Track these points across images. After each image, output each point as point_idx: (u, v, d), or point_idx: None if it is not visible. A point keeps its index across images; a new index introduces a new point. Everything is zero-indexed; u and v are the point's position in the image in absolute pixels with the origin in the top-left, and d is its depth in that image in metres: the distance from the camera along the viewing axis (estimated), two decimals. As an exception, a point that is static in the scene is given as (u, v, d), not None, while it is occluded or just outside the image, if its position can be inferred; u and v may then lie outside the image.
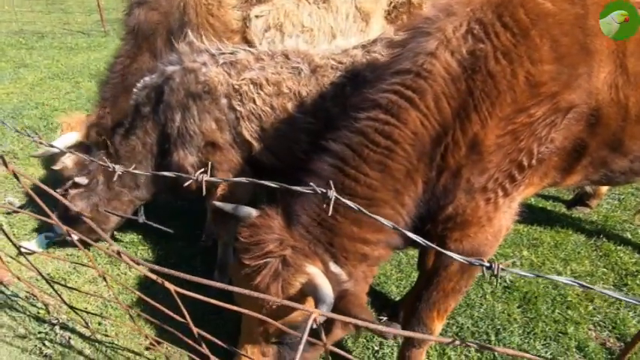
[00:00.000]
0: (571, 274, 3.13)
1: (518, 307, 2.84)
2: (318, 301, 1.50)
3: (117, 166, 1.57)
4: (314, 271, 1.60)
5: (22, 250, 2.28)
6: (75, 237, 1.48)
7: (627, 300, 0.86)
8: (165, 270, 1.19)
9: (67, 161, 3.24)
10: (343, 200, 1.17)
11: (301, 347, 0.94)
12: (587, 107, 1.78)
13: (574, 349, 2.56)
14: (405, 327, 2.11)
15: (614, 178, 2.14)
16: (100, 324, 2.74)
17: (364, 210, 1.14)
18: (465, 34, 1.68)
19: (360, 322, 0.99)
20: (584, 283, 0.86)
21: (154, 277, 1.17)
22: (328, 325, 1.74)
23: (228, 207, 2.01)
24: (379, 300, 2.95)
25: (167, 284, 1.15)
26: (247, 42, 3.28)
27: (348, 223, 1.71)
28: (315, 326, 0.95)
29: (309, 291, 1.58)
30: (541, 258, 3.28)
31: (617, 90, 1.80)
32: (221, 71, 2.59)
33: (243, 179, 1.26)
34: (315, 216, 1.73)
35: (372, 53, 2.58)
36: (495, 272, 0.94)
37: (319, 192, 1.18)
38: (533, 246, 3.42)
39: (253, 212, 1.87)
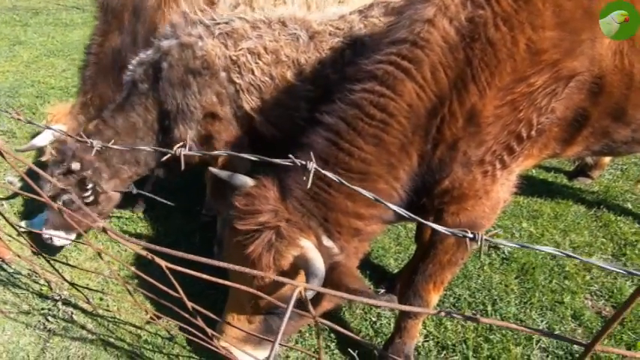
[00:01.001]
0: (570, 245, 3.13)
1: (516, 278, 2.86)
2: (309, 275, 1.51)
3: (94, 141, 1.53)
4: (307, 245, 1.60)
5: (21, 229, 2.29)
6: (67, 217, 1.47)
7: (618, 270, 0.85)
8: (157, 247, 1.19)
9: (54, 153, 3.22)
10: (323, 172, 1.15)
11: (286, 319, 0.94)
12: (590, 75, 1.72)
13: (569, 318, 2.59)
14: (402, 299, 2.13)
15: (616, 148, 2.09)
16: (101, 299, 2.78)
17: (344, 182, 1.11)
18: (464, 0, 1.61)
19: (346, 296, 0.98)
20: (571, 254, 0.84)
21: (144, 253, 1.17)
22: (318, 297, 1.75)
23: (224, 174, 2.00)
24: (377, 273, 2.97)
25: (158, 260, 1.14)
26: None
27: (342, 198, 1.69)
28: (302, 298, 0.95)
29: (301, 264, 1.59)
30: (540, 229, 3.28)
31: (622, 56, 1.73)
32: (217, 43, 2.53)
33: (222, 152, 1.24)
34: (309, 189, 1.71)
35: (370, 18, 2.51)
36: (479, 243, 0.93)
37: (298, 164, 1.15)
38: (533, 217, 3.41)
39: (249, 181, 1.86)
